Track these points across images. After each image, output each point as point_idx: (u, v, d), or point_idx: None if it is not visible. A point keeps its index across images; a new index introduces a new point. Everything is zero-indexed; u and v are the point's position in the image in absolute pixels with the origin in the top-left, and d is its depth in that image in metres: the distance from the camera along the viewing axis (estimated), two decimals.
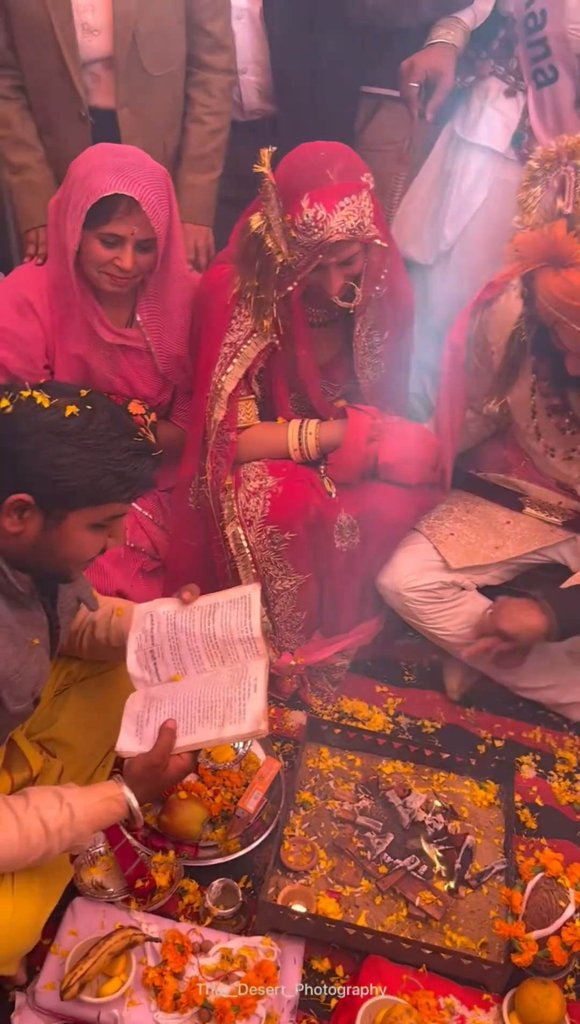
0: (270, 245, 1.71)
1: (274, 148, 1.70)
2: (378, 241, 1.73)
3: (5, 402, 1.26)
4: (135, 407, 2.03)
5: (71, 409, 1.25)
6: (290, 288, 1.77)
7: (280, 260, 1.72)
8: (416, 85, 1.99)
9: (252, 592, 1.59)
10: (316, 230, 1.66)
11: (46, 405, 1.25)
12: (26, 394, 1.27)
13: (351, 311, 1.85)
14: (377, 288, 1.84)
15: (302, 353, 1.90)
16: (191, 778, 1.80)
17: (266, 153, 1.66)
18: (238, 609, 1.57)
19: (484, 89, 2.16)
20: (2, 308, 1.95)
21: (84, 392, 1.30)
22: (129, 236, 1.78)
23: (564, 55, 2.02)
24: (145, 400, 2.05)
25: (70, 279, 1.87)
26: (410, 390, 2.54)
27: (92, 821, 1.38)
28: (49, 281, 1.93)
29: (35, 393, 1.27)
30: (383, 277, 1.83)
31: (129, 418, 1.34)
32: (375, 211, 1.73)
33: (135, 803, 1.41)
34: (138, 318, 1.97)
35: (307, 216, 1.65)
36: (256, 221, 1.71)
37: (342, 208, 1.65)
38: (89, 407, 1.27)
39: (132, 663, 1.57)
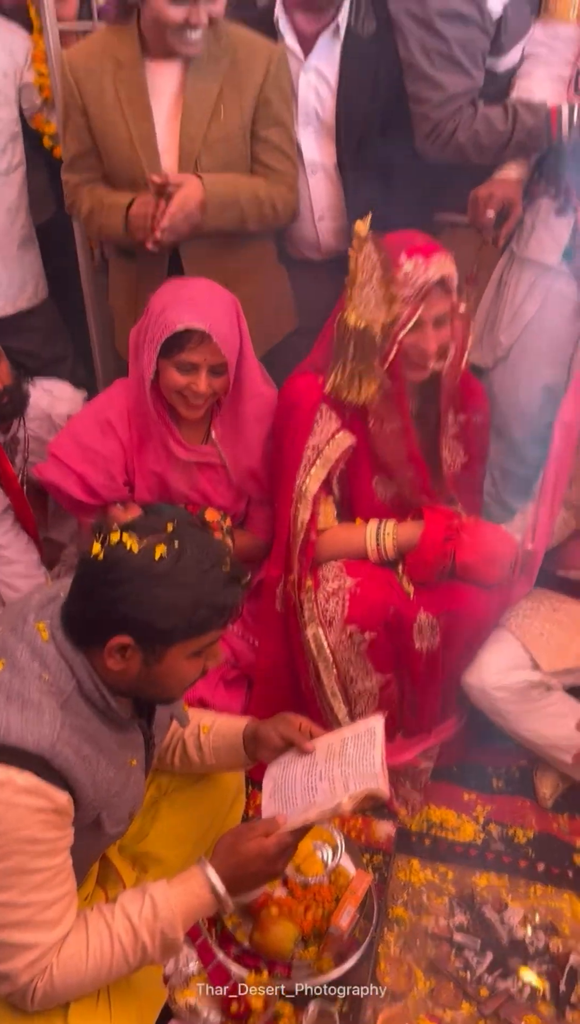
0: (365, 319, 1.82)
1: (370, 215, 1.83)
2: (463, 308, 1.86)
3: (97, 547, 1.28)
4: (211, 514, 2.09)
5: (160, 550, 1.27)
6: (392, 353, 1.86)
7: (387, 319, 1.83)
8: (493, 215, 2.13)
9: (376, 725, 1.55)
10: (418, 275, 1.80)
11: (136, 550, 1.26)
12: (115, 538, 1.28)
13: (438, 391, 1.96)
14: (464, 361, 1.96)
15: (407, 438, 1.97)
16: (281, 892, 1.76)
17: (364, 222, 1.80)
18: (364, 743, 1.53)
19: (536, 208, 2.29)
20: (86, 426, 2.07)
21: (170, 526, 1.31)
22: (202, 363, 1.89)
23: None
24: (221, 510, 2.11)
25: (147, 403, 1.97)
26: (484, 488, 2.61)
27: (176, 908, 1.33)
28: (129, 403, 2.04)
29: (124, 537, 1.28)
30: (466, 351, 1.96)
31: (218, 545, 1.36)
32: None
33: (216, 880, 1.35)
34: (213, 435, 2.06)
35: (408, 267, 1.81)
36: (351, 315, 1.83)
37: (435, 260, 1.82)
38: (177, 543, 1.28)
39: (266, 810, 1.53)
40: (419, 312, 1.82)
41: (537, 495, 2.08)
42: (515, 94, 2.17)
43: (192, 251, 2.16)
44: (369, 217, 1.82)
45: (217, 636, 1.35)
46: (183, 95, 2.06)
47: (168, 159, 2.09)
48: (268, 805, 1.50)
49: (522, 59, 2.21)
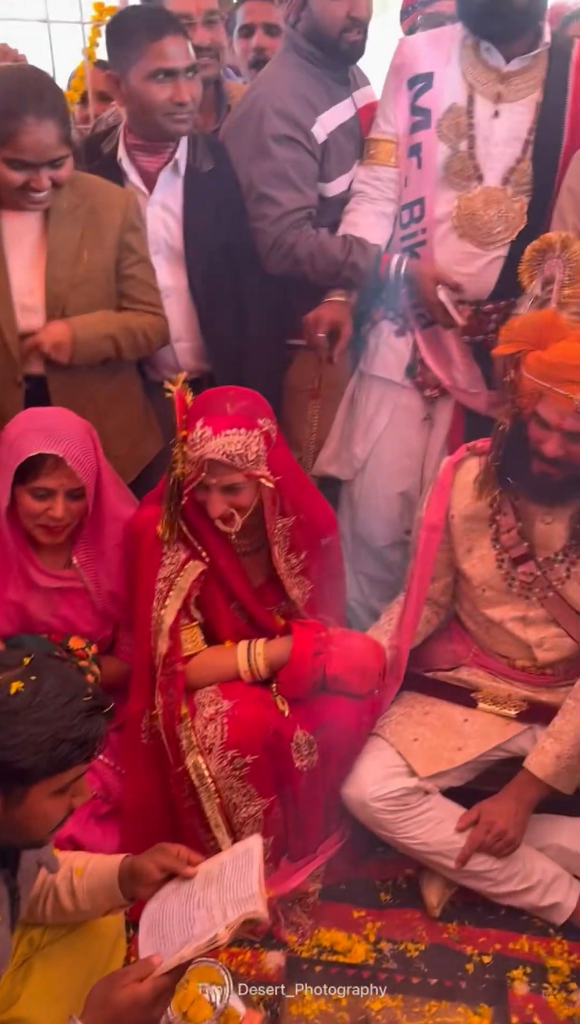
0: (176, 458, 1.86)
1: (185, 373, 1.93)
2: (264, 480, 1.87)
3: None
4: (76, 642, 2.04)
5: (16, 686, 1.23)
6: (183, 501, 1.90)
7: (177, 472, 1.86)
8: (324, 335, 2.28)
9: (254, 844, 1.52)
10: (198, 446, 1.82)
11: None
12: None
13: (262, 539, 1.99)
14: (284, 519, 1.99)
15: (235, 581, 2.00)
16: None
17: (180, 378, 1.86)
18: (241, 866, 1.49)
19: (379, 330, 2.48)
20: None
21: (27, 660, 1.28)
22: (59, 488, 1.90)
23: None
24: (86, 637, 2.08)
25: (3, 531, 1.95)
26: (350, 596, 2.69)
27: None
28: None
29: None
30: (288, 509, 1.98)
31: (77, 675, 1.34)
32: (271, 455, 1.88)
33: None
34: (75, 560, 2.04)
35: (196, 433, 1.82)
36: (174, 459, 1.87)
37: (227, 435, 1.82)
38: (34, 677, 1.25)
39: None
40: (201, 477, 1.85)
41: (403, 594, 2.16)
42: (343, 228, 2.35)
43: (58, 383, 2.19)
44: (183, 375, 1.89)
45: (82, 771, 1.30)
46: (46, 240, 2.12)
47: (34, 300, 2.13)
48: (145, 943, 1.42)
49: (350, 194, 2.42)
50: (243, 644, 1.99)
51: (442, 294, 2.24)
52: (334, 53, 2.36)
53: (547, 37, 2.25)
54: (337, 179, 2.41)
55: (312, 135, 2.33)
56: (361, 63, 2.51)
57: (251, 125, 2.33)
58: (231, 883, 1.45)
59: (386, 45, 2.43)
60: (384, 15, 3.08)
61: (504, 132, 2.27)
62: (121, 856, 1.57)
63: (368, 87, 2.53)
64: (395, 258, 2.29)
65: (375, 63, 2.51)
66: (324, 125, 2.36)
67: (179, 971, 1.36)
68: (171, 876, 1.50)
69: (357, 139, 2.45)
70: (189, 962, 1.37)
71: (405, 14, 2.75)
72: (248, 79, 2.87)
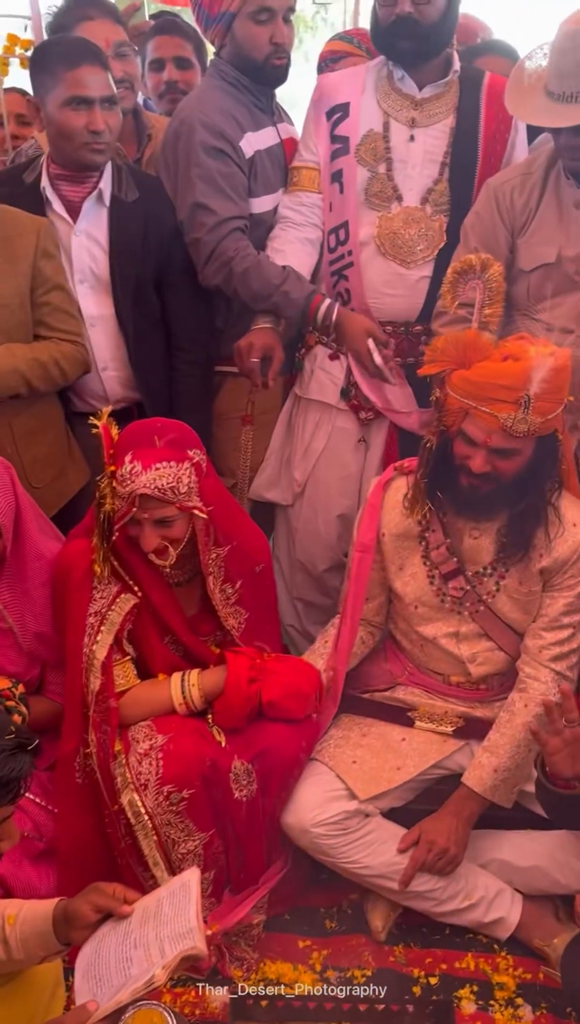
0: (104, 493, 1.84)
1: (112, 405, 1.96)
2: (197, 512, 1.86)
3: None
4: (1, 682, 1.99)
5: None
6: (114, 537, 1.87)
7: (106, 508, 1.84)
8: (257, 360, 2.28)
9: (191, 878, 1.49)
10: (129, 482, 1.80)
11: None
12: None
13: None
14: (218, 549, 1.98)
15: (168, 613, 1.97)
16: None
17: (104, 412, 1.85)
18: (179, 901, 1.46)
19: (314, 355, 2.51)
20: None
21: None
22: None
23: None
24: (12, 677, 2.02)
25: None
26: (286, 622, 2.68)
27: None
28: None
29: None
30: (221, 539, 1.97)
31: (2, 714, 1.30)
32: (202, 485, 1.88)
33: None
34: None
35: (125, 469, 1.80)
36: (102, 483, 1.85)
37: (158, 469, 1.80)
38: None
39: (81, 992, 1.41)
40: (133, 512, 1.83)
41: (338, 616, 2.16)
42: (269, 254, 2.36)
43: None
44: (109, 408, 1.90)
45: (8, 812, 1.27)
46: None
47: None
48: (81, 988, 1.38)
49: (275, 220, 2.44)
50: (177, 676, 1.97)
51: (375, 355, 2.29)
52: (260, 77, 2.40)
53: (456, 66, 2.32)
54: (263, 197, 2.43)
55: (240, 148, 2.35)
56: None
57: (182, 140, 2.34)
58: (168, 919, 1.42)
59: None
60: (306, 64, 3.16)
61: (420, 155, 2.33)
62: (54, 901, 1.52)
63: (291, 126, 2.58)
64: (326, 303, 2.32)
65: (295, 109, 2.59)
66: (250, 143, 2.39)
67: (116, 1016, 1.32)
68: (108, 917, 1.46)
69: (281, 167, 2.49)
70: (126, 1006, 1.33)
71: (320, 69, 2.80)
72: (160, 112, 2.90)
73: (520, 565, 2.00)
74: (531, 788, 2.06)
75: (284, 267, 2.32)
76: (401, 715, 2.15)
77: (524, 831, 2.10)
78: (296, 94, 2.71)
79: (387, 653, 2.27)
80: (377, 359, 2.29)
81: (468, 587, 2.04)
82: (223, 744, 1.92)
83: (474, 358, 1.84)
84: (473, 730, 2.11)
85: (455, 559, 2.04)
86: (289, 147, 2.49)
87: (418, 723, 2.13)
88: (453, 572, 2.04)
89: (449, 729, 2.12)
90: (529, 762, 2.03)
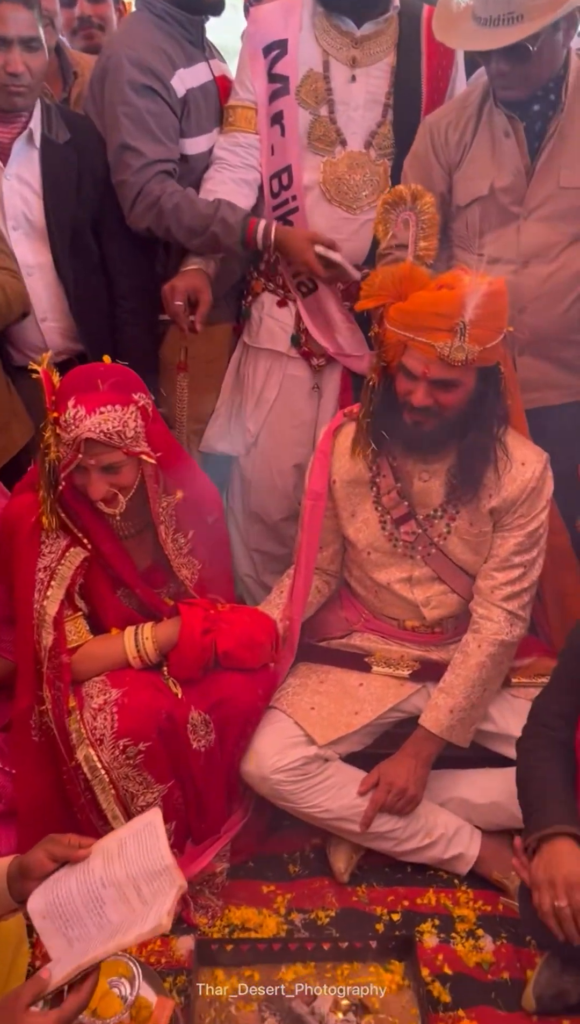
0: (48, 442, 1.79)
1: (50, 352, 1.91)
2: (145, 457, 1.82)
3: None
4: None
5: None
6: (61, 487, 1.82)
7: (51, 456, 1.79)
8: (181, 303, 2.23)
9: (154, 817, 1.45)
10: (73, 427, 1.75)
11: None
12: None
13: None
14: (168, 497, 1.94)
15: (119, 565, 1.94)
16: None
17: (45, 357, 1.80)
18: (145, 840, 1.42)
19: (261, 303, 2.46)
20: None
21: None
22: None
23: None
24: None
25: None
26: (243, 572, 2.66)
27: None
28: None
29: None
30: (171, 487, 1.94)
31: None
32: (149, 430, 1.84)
33: None
34: None
35: (69, 414, 1.75)
36: (48, 444, 1.79)
37: (102, 412, 1.76)
38: None
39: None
40: (79, 459, 1.78)
41: (293, 566, 2.15)
42: (203, 195, 2.29)
43: None
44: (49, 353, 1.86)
45: None
46: None
47: None
48: (46, 927, 1.33)
49: (210, 161, 2.37)
50: (130, 629, 1.94)
51: (328, 254, 2.21)
52: (193, 4, 2.31)
53: (396, 0, 2.25)
54: (196, 137, 2.35)
55: (171, 87, 2.27)
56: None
57: (109, 78, 2.26)
58: (134, 857, 1.39)
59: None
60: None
61: (362, 96, 2.27)
62: (8, 859, 1.50)
63: (223, 63, 2.50)
64: (262, 223, 2.25)
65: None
66: (182, 80, 2.30)
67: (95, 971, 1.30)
68: (64, 867, 1.44)
69: (215, 105, 2.40)
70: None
71: (249, 3, 2.71)
72: (76, 49, 2.80)
73: (470, 506, 2.00)
74: (488, 727, 2.10)
75: (215, 199, 2.25)
76: (358, 661, 2.16)
77: (481, 769, 2.13)
78: (227, 45, 2.61)
79: (342, 601, 2.27)
80: (334, 257, 2.22)
81: (420, 531, 2.04)
82: (180, 696, 1.91)
83: (410, 290, 1.83)
84: (429, 673, 2.12)
85: (406, 503, 2.03)
86: (222, 86, 2.41)
87: (375, 668, 2.15)
88: (404, 516, 2.04)
89: (405, 673, 2.13)
90: (485, 702, 2.06)
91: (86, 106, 2.41)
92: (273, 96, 2.30)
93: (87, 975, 1.29)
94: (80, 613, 1.93)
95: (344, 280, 2.29)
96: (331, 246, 2.24)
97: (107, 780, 1.85)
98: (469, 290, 1.75)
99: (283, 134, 2.30)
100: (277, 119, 2.31)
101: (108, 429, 1.75)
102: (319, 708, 2.04)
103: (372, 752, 2.08)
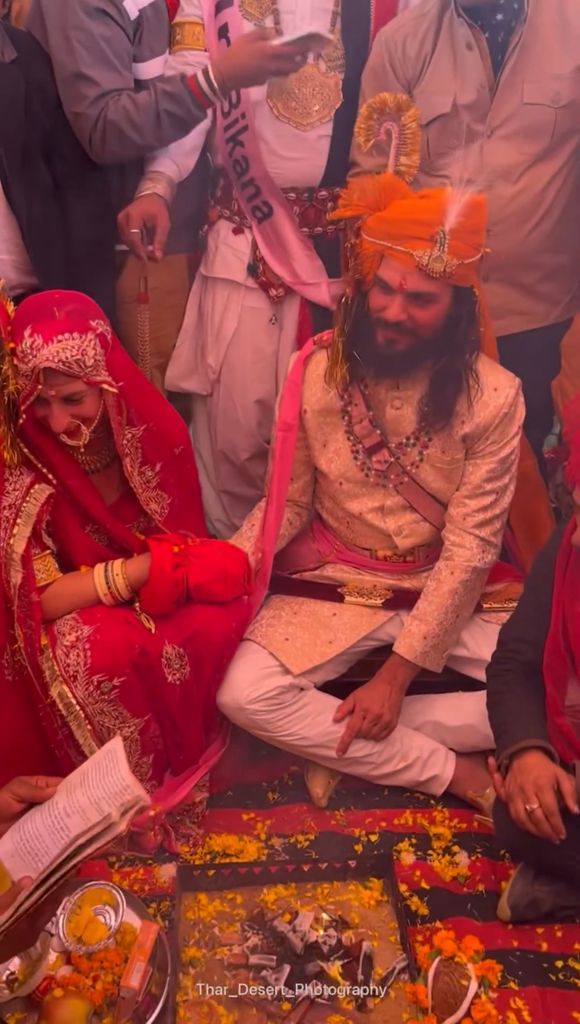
0: (7, 374, 1.74)
1: (2, 281, 1.89)
2: (107, 387, 1.78)
3: None
4: None
5: None
6: (21, 420, 1.79)
7: (10, 389, 1.75)
8: (137, 231, 2.16)
9: (115, 746, 1.45)
10: (31, 357, 1.71)
11: None
12: None
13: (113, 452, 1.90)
14: (132, 428, 1.90)
15: (87, 500, 1.91)
16: (65, 971, 1.65)
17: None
18: (105, 766, 1.45)
19: (217, 231, 2.39)
20: None
21: None
22: None
23: (272, 191, 2.27)
24: None
25: None
26: (213, 516, 2.64)
27: None
28: None
29: None
30: (135, 418, 1.89)
31: None
32: (110, 359, 1.79)
33: None
34: None
35: (25, 344, 1.71)
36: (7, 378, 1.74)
37: (60, 340, 1.71)
38: None
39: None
40: (38, 390, 1.74)
41: (264, 499, 2.14)
42: None
43: None
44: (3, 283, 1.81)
45: None
46: None
47: None
48: (14, 866, 1.35)
49: None
50: (100, 567, 1.93)
51: (276, 40, 2.08)
52: None
53: None
54: (149, 62, 2.25)
55: (124, 10, 2.16)
56: None
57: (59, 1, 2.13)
58: (95, 783, 1.40)
59: None
60: None
61: (308, 5, 2.18)
62: None
63: None
64: (198, 73, 2.10)
65: None
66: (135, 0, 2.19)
67: (66, 890, 1.30)
68: (31, 808, 1.45)
69: (167, 24, 2.29)
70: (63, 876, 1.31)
71: None
72: None
73: (442, 433, 1.99)
74: (460, 652, 2.12)
75: (149, 83, 2.17)
76: (331, 592, 2.17)
77: (454, 693, 2.16)
78: None
79: (314, 533, 2.26)
80: (284, 38, 2.08)
81: (392, 459, 2.03)
82: (153, 630, 1.90)
83: (390, 199, 1.78)
84: (402, 601, 2.14)
85: (378, 431, 2.02)
86: (171, 3, 2.30)
87: (348, 598, 2.15)
88: (377, 445, 2.03)
89: (378, 602, 2.14)
90: (457, 628, 2.08)
91: (29, 23, 2.28)
92: (218, 8, 2.20)
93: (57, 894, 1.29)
94: (48, 551, 1.91)
95: (315, 50, 2.14)
96: (272, 35, 2.13)
97: (82, 716, 1.85)
98: (452, 198, 1.72)
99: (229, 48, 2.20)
100: (223, 32, 2.20)
101: (67, 358, 1.71)
102: (293, 639, 2.05)
103: (347, 680, 2.11)
